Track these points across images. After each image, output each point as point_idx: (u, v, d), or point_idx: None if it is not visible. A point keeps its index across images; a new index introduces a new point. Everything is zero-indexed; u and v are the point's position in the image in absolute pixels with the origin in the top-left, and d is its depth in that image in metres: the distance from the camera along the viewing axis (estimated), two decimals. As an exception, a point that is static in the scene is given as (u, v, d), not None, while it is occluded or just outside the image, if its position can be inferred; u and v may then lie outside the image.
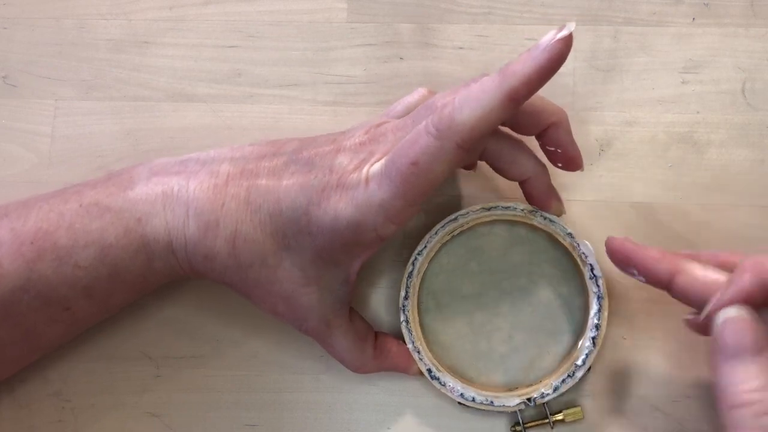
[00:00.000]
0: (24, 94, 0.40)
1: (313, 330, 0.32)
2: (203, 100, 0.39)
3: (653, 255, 0.29)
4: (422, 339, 0.34)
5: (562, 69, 0.38)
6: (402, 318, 0.34)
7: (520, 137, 0.32)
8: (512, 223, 0.35)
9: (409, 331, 0.34)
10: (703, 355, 0.34)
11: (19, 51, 0.40)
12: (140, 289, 0.33)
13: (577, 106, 0.37)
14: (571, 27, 0.26)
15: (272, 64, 0.39)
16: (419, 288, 0.34)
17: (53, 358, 0.36)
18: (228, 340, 0.36)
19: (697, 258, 0.30)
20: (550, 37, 0.26)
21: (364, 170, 0.29)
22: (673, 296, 0.29)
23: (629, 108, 0.37)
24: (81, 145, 0.39)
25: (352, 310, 0.34)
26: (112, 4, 0.40)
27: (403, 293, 0.34)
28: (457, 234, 0.34)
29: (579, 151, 0.32)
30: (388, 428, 0.35)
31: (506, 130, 0.32)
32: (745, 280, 0.27)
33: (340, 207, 0.29)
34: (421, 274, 0.34)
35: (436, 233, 0.34)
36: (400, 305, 0.34)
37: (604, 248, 0.31)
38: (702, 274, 0.29)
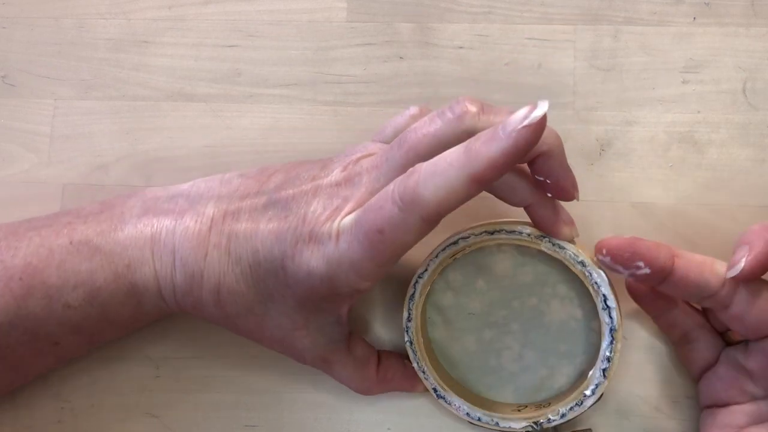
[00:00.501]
0: (23, 94, 0.40)
1: (312, 364, 0.33)
2: (203, 100, 0.39)
3: (653, 242, 0.29)
4: (427, 359, 0.33)
5: (562, 68, 0.38)
6: (406, 338, 0.33)
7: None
8: (516, 247, 0.34)
9: (414, 351, 0.33)
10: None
11: (19, 51, 0.40)
12: (130, 327, 0.33)
13: (577, 105, 0.37)
14: (544, 107, 0.24)
15: (272, 64, 0.39)
16: (425, 302, 0.34)
17: (53, 358, 0.36)
18: (228, 340, 0.36)
19: None
20: (520, 117, 0.24)
21: (335, 223, 0.28)
22: (669, 286, 0.29)
23: (629, 108, 0.37)
24: (80, 145, 0.39)
25: (352, 335, 0.33)
26: (112, 4, 0.40)
27: (405, 315, 0.33)
28: (460, 257, 0.33)
29: (573, 181, 0.30)
30: (388, 428, 0.35)
31: None
32: (762, 246, 0.27)
33: (313, 263, 0.28)
34: (423, 296, 0.33)
35: (437, 256, 0.33)
36: (404, 326, 0.33)
37: (595, 252, 0.30)
38: (692, 255, 0.29)
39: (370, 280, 0.28)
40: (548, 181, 0.29)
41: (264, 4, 0.40)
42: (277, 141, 0.38)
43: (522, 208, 0.31)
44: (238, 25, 0.40)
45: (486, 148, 0.24)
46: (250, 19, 0.40)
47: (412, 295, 0.33)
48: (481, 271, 0.34)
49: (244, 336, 0.33)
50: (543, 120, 0.24)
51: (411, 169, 0.26)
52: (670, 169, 0.37)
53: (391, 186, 0.27)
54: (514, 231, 0.31)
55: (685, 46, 0.38)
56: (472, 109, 0.28)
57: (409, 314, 0.33)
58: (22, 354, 0.31)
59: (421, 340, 0.33)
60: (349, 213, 0.28)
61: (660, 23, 0.38)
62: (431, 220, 0.26)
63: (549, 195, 0.30)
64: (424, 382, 0.33)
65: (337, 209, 0.28)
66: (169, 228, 0.31)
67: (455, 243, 0.32)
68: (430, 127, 0.28)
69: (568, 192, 0.30)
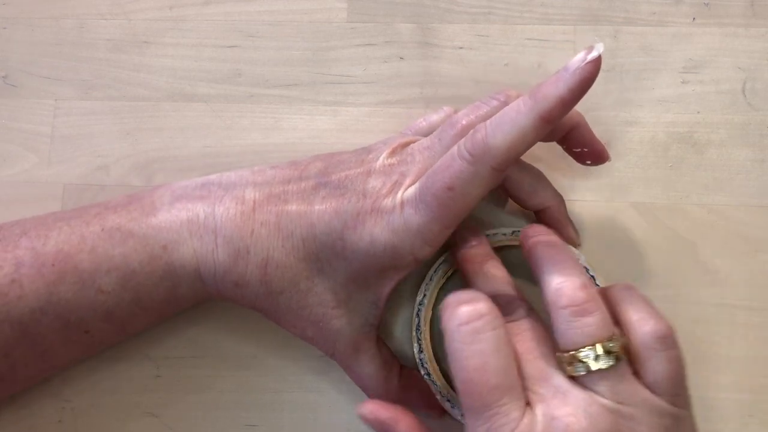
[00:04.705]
0: (24, 94, 0.40)
1: (341, 354, 0.32)
2: (203, 100, 0.39)
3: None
4: (449, 386, 0.33)
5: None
6: (423, 372, 0.33)
7: (539, 167, 0.33)
8: (508, 249, 0.34)
9: (434, 383, 0.33)
10: (703, 355, 0.34)
11: (19, 51, 0.40)
12: (162, 313, 0.33)
13: (577, 106, 0.37)
14: (600, 49, 0.26)
15: (272, 64, 0.39)
16: (432, 326, 0.33)
17: (53, 358, 0.36)
18: (228, 340, 0.36)
19: None
20: (581, 58, 0.26)
21: (399, 195, 0.29)
22: None
23: (629, 108, 0.37)
24: (81, 145, 0.39)
25: (380, 340, 0.34)
26: (112, 4, 0.40)
27: (416, 347, 0.33)
28: (451, 274, 0.34)
29: (602, 144, 0.33)
30: (389, 428, 0.35)
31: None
32: None
33: (376, 231, 0.29)
34: (428, 323, 0.33)
35: (431, 279, 0.33)
36: (417, 360, 0.33)
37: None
38: None
39: (433, 245, 0.29)
40: (585, 150, 0.33)
41: (264, 4, 0.40)
42: (278, 141, 0.38)
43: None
44: (238, 26, 0.40)
45: (554, 87, 0.27)
46: (250, 20, 0.40)
47: (418, 324, 0.33)
48: None
49: (280, 318, 0.32)
50: (600, 59, 0.26)
51: (473, 129, 0.28)
52: (669, 169, 0.37)
53: (455, 148, 0.28)
54: (506, 233, 0.33)
55: (684, 47, 0.38)
56: (513, 92, 0.31)
57: (420, 346, 0.33)
58: (52, 341, 0.31)
59: (437, 367, 0.33)
60: (410, 185, 0.29)
61: (660, 23, 0.38)
62: (501, 168, 0.28)
63: (587, 163, 0.33)
64: (450, 411, 0.32)
65: (397, 183, 0.29)
66: (207, 211, 0.31)
67: (445, 260, 0.33)
68: (479, 111, 0.30)
69: (603, 154, 0.33)
